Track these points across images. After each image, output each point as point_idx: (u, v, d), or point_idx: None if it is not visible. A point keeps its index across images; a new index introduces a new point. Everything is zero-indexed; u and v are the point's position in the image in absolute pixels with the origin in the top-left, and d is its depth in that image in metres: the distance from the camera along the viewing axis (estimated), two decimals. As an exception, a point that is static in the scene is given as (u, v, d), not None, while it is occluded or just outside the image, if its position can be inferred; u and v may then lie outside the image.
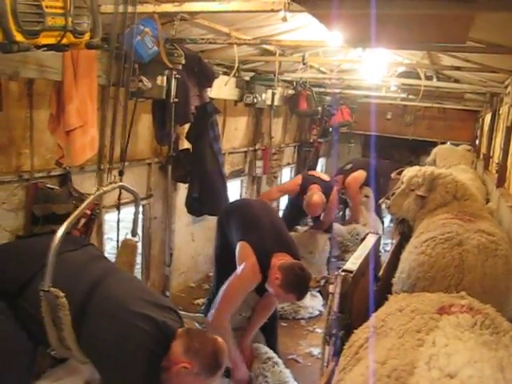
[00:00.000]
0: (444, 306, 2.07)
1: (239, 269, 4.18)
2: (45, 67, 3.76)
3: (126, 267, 3.79)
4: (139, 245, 5.92)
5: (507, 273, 3.11)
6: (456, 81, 7.68)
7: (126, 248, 3.90)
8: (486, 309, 2.06)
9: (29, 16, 2.53)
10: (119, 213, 4.73)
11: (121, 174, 4.62)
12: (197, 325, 4.98)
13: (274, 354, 4.62)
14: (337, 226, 8.40)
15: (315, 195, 6.77)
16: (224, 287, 4.18)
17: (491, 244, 3.17)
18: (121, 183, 3.75)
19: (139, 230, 6.05)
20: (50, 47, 2.84)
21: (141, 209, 5.61)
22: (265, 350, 4.62)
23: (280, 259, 4.12)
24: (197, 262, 7.18)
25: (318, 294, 6.64)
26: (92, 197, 3.22)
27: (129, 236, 3.95)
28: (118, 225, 4.59)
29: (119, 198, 4.68)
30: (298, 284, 4.03)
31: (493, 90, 7.36)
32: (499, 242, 3.24)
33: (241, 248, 4.27)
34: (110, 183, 3.48)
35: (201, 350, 2.59)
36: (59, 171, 4.31)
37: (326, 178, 7.26)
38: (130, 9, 3.70)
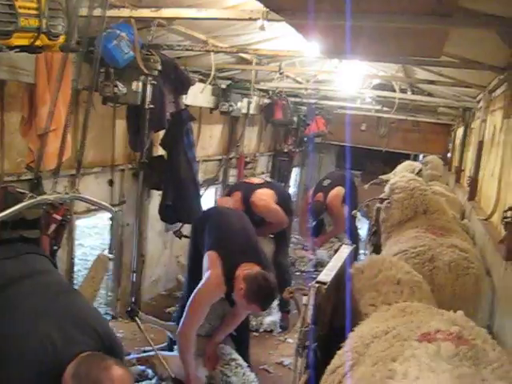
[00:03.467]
0: (429, 331, 1.97)
1: (203, 280, 4.17)
2: (17, 69, 3.68)
3: (91, 281, 3.70)
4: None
5: (477, 293, 3.11)
6: (430, 94, 7.80)
7: (98, 263, 3.83)
8: (475, 339, 1.94)
9: (1, 16, 2.47)
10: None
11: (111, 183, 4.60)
12: (168, 333, 4.92)
13: (238, 356, 4.59)
14: (319, 251, 8.75)
15: (220, 200, 6.67)
16: (189, 301, 4.18)
17: (463, 261, 3.16)
18: (74, 194, 3.61)
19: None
20: (22, 48, 2.78)
21: (119, 214, 5.58)
22: (229, 351, 4.58)
23: (246, 269, 4.10)
24: (169, 270, 7.11)
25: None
26: (26, 202, 3.11)
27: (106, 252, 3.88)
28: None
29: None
30: (261, 294, 4.01)
31: (465, 104, 7.48)
32: (471, 259, 3.23)
33: (208, 257, 4.26)
34: (66, 193, 3.39)
35: (85, 376, 2.36)
36: (30, 175, 4.23)
37: (257, 181, 6.63)
38: (103, 12, 3.65)
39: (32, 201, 3.11)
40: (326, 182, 8.87)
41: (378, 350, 2.01)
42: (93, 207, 5.22)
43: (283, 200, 6.30)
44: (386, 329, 2.17)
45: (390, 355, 1.91)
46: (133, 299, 5.33)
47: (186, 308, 4.18)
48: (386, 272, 2.77)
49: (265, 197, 6.04)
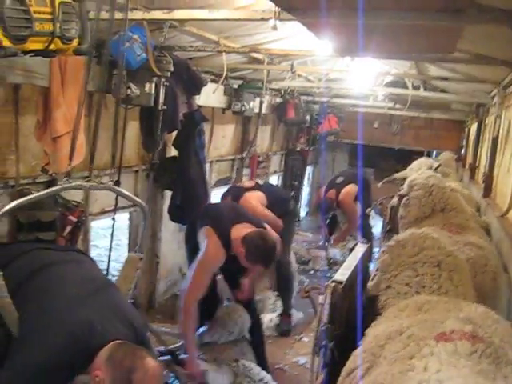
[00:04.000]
0: (444, 331, 1.93)
1: (202, 250, 4.32)
2: (32, 73, 3.71)
3: (125, 282, 3.74)
4: (124, 254, 5.90)
5: (495, 290, 3.06)
6: (443, 91, 7.74)
7: (128, 263, 3.86)
8: (492, 337, 1.90)
9: (16, 21, 2.50)
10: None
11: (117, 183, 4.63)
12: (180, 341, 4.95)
13: (266, 375, 4.55)
14: (332, 250, 8.82)
15: None
16: (192, 271, 4.29)
17: (480, 259, 3.11)
18: (109, 185, 3.64)
19: (125, 238, 6.07)
20: (37, 53, 2.81)
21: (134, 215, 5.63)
22: (258, 371, 4.52)
23: (241, 231, 4.27)
24: (183, 270, 7.12)
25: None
26: (63, 185, 3.13)
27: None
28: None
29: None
30: (260, 254, 4.20)
31: (479, 100, 7.42)
32: (489, 256, 3.19)
33: (201, 232, 4.42)
34: (101, 183, 3.42)
35: (119, 362, 2.40)
36: (45, 178, 4.26)
37: (247, 185, 6.46)
38: (119, 15, 3.67)
39: (67, 185, 3.14)
40: (339, 180, 8.88)
41: (394, 351, 1.98)
42: (107, 208, 5.27)
43: (276, 202, 6.16)
44: (400, 329, 2.13)
45: (407, 355, 1.87)
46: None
47: (189, 278, 4.28)
48: (428, 252, 2.72)
49: (253, 200, 5.92)
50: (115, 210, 4.99)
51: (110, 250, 5.03)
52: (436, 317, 2.10)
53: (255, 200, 5.95)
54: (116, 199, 4.97)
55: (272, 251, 4.27)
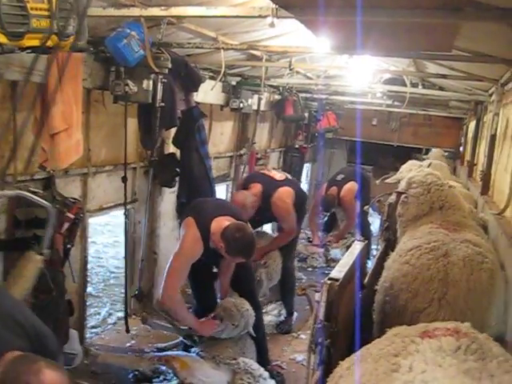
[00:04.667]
0: (428, 329, 1.93)
1: (180, 241, 4.43)
2: (29, 69, 3.70)
3: (22, 281, 3.65)
4: (122, 250, 5.91)
5: (491, 287, 3.05)
6: (441, 88, 7.75)
7: (28, 262, 3.79)
8: (474, 332, 1.91)
9: (13, 17, 2.49)
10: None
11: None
12: (180, 338, 4.96)
13: (264, 372, 4.53)
14: (333, 250, 8.85)
15: (237, 194, 6.13)
16: (169, 262, 4.36)
17: (477, 256, 3.11)
18: (19, 191, 3.66)
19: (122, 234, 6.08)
20: (34, 49, 2.80)
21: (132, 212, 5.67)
22: (257, 367, 4.51)
23: (221, 223, 4.31)
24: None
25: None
26: None
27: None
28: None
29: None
30: (239, 247, 4.26)
31: (477, 98, 7.43)
32: (486, 253, 3.18)
33: (183, 223, 4.51)
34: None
35: (14, 381, 2.16)
36: (43, 175, 4.26)
37: (278, 177, 6.32)
38: (115, 12, 3.66)
39: None
40: (340, 177, 8.92)
41: (379, 347, 1.97)
42: (105, 205, 5.28)
43: (300, 200, 6.23)
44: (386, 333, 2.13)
45: (392, 351, 1.87)
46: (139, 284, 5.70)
47: (166, 272, 4.35)
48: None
49: (288, 199, 5.98)
50: (125, 204, 5.14)
51: (126, 246, 5.10)
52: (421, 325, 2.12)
53: (289, 198, 6.01)
54: (125, 196, 5.04)
55: (251, 243, 4.33)
